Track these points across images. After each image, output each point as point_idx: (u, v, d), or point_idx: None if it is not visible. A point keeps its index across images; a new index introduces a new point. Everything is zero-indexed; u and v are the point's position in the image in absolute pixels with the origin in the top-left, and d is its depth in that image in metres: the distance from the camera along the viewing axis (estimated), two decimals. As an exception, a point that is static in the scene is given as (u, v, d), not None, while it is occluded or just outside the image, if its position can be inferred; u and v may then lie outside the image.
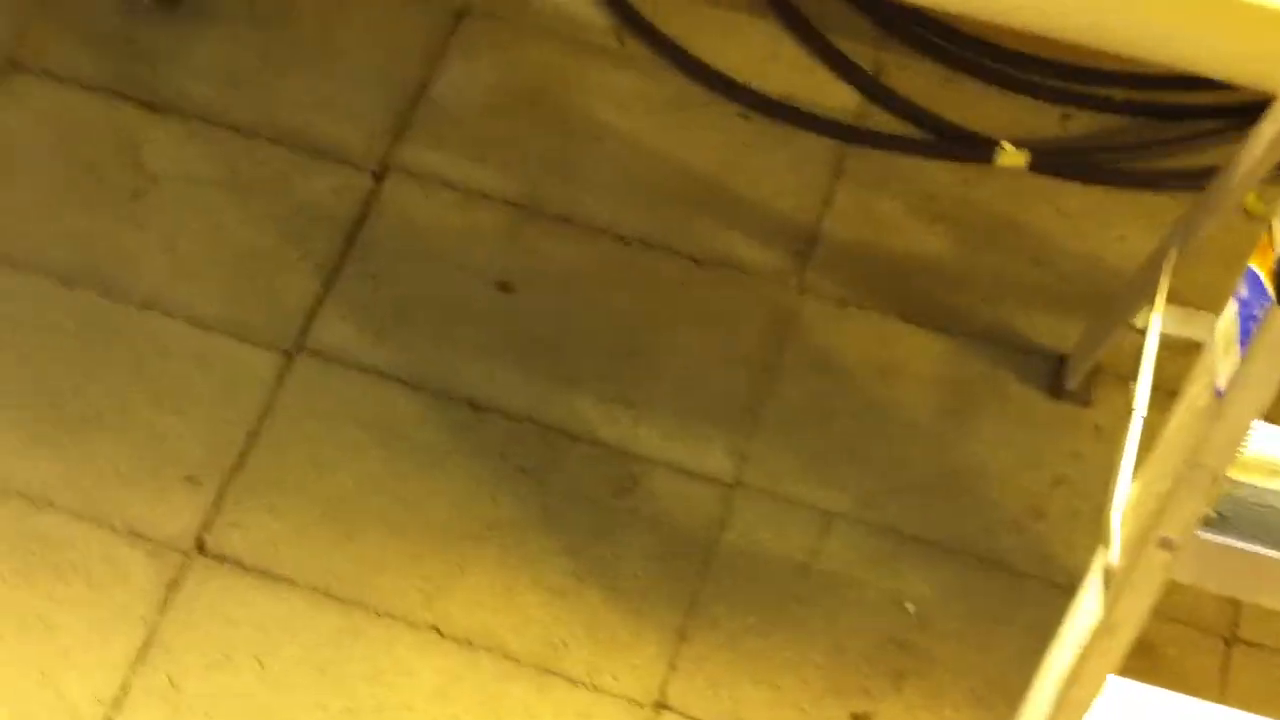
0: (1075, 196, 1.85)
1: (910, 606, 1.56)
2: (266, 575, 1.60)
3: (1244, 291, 0.96)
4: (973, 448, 1.68)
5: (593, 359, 1.75)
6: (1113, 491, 1.14)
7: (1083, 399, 1.68)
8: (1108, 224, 1.83)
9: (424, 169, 1.89)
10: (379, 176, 1.88)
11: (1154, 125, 1.90)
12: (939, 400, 1.71)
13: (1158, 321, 1.37)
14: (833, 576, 1.59)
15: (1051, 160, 1.86)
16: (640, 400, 1.72)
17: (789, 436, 1.69)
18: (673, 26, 1.98)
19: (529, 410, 1.71)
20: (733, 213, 1.85)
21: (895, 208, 1.85)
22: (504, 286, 1.80)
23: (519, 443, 1.70)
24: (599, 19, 2.01)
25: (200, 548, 1.61)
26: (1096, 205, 1.84)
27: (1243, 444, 0.95)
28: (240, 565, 1.61)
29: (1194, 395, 1.01)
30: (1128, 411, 1.30)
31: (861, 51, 1.97)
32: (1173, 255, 1.43)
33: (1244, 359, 0.93)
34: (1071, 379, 1.68)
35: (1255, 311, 0.93)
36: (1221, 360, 0.97)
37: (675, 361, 1.75)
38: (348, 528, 1.64)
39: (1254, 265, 0.95)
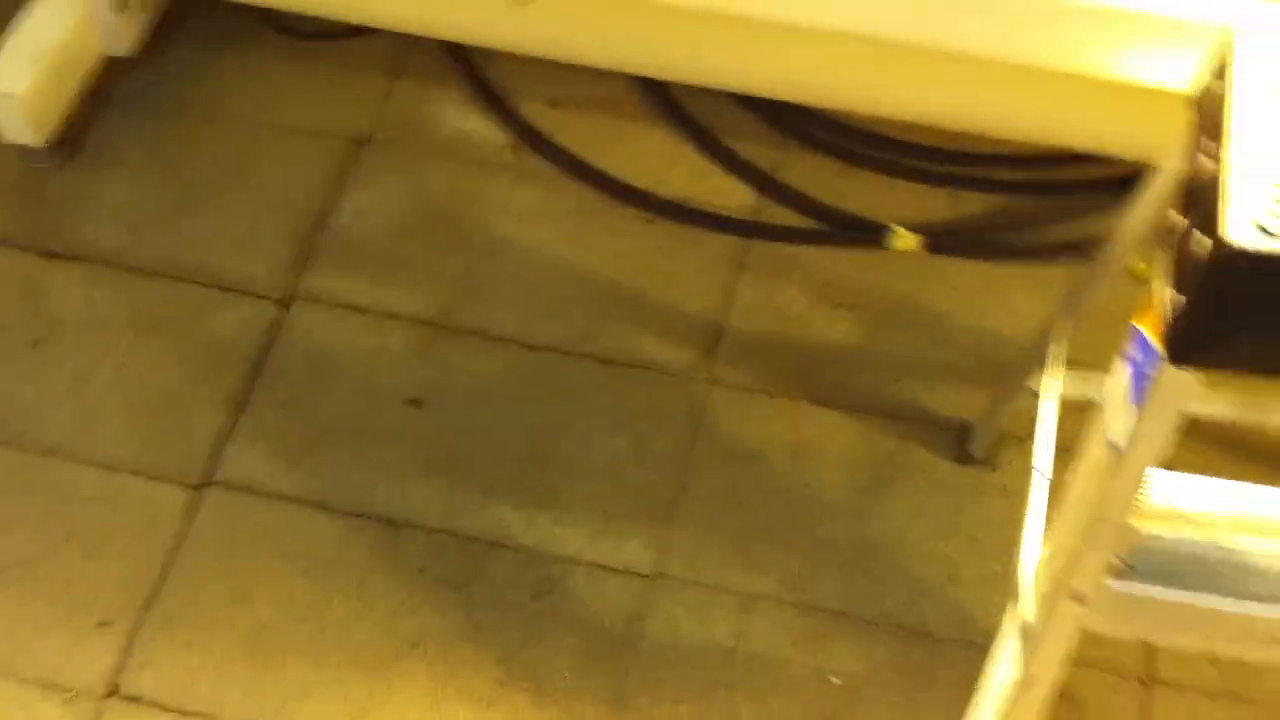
0: (968, 274, 1.90)
1: (836, 680, 1.56)
2: (183, 713, 1.57)
3: (1133, 351, 0.99)
4: (888, 521, 1.69)
5: (508, 467, 1.75)
6: (1020, 550, 1.15)
7: (989, 464, 1.70)
8: (1001, 297, 1.87)
9: (330, 295, 1.91)
10: (285, 305, 1.90)
11: (1039, 201, 1.96)
12: (852, 478, 1.73)
13: (1053, 385, 1.40)
14: (759, 659, 1.59)
15: (944, 241, 1.91)
16: (558, 503, 1.72)
17: (708, 525, 1.70)
18: (570, 139, 2.03)
19: (447, 522, 1.71)
20: (640, 314, 1.88)
21: (797, 297, 1.88)
22: (415, 403, 1.81)
23: (439, 555, 1.69)
24: (497, 136, 2.05)
25: (114, 691, 1.58)
26: (989, 281, 1.89)
27: (1141, 494, 0.98)
28: (157, 704, 1.58)
29: (1092, 452, 1.03)
30: (1031, 472, 1.32)
31: (757, 152, 2.02)
32: (1064, 322, 1.47)
33: (1141, 415, 0.96)
34: (977, 446, 1.70)
35: (1147, 369, 0.96)
36: (1115, 418, 1.00)
37: (591, 462, 1.75)
38: (268, 658, 1.62)
39: (1139, 325, 0.98)
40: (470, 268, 1.93)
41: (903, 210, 1.95)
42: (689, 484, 1.73)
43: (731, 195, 1.99)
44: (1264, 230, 0.86)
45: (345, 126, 2.06)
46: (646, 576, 1.66)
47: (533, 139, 2.04)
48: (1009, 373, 1.64)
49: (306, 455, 1.77)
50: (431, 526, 1.71)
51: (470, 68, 2.10)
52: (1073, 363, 1.45)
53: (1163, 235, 1.02)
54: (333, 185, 2.01)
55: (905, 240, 1.88)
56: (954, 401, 1.77)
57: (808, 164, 2.01)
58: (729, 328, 1.86)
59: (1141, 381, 0.96)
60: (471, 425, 1.79)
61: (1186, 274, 0.89)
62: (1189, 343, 0.91)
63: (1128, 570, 1.03)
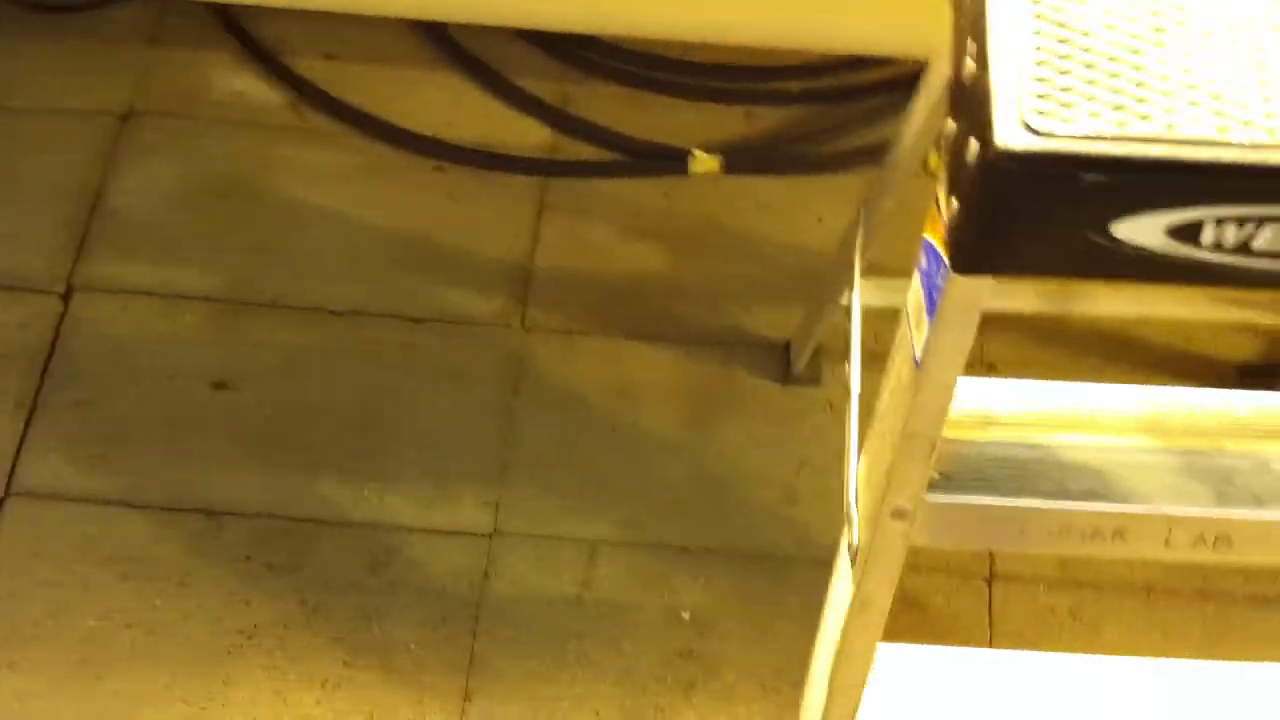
0: (772, 190, 1.89)
1: (686, 615, 1.55)
2: (15, 736, 1.49)
3: (924, 262, 0.97)
4: (720, 450, 1.68)
5: (327, 441, 1.69)
6: (845, 471, 1.14)
7: (813, 380, 1.70)
8: (807, 210, 1.86)
9: (114, 282, 1.80)
10: (66, 298, 1.79)
11: (834, 109, 1.95)
12: (679, 411, 1.71)
13: (857, 297, 1.39)
14: (607, 604, 1.56)
15: (743, 159, 1.89)
16: (382, 472, 1.67)
17: (540, 476, 1.66)
18: (351, 92, 1.95)
19: (268, 506, 1.64)
20: (444, 267, 1.82)
21: (602, 232, 1.85)
22: (221, 385, 1.73)
23: (263, 541, 1.62)
24: (273, 96, 1.96)
25: (-64, 723, 1.49)
26: (793, 195, 1.88)
27: (949, 405, 0.96)
28: (-15, 731, 1.50)
29: (898, 367, 1.02)
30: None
31: (545, 87, 1.97)
32: (862, 231, 1.46)
33: (934, 327, 0.94)
34: (797, 363, 1.70)
35: (937, 281, 0.94)
36: (915, 331, 0.98)
37: (414, 426, 1.70)
38: (98, 668, 1.53)
39: (928, 235, 0.96)
40: (261, 237, 1.84)
41: (699, 132, 1.92)
42: (516, 436, 1.69)
43: (525, 134, 1.94)
44: (1031, 129, 0.85)
45: (107, 102, 1.93)
46: (485, 536, 1.62)
47: (311, 95, 1.95)
48: (820, 286, 1.64)
49: (110, 453, 1.68)
50: (252, 512, 1.64)
51: (235, 27, 1.99)
52: (882, 270, 1.45)
53: (937, 141, 1.00)
54: (102, 167, 1.89)
55: (704, 163, 1.86)
56: (772, 321, 1.76)
57: (599, 94, 1.96)
58: (536, 270, 1.82)
59: (933, 293, 0.95)
60: (283, 402, 1.72)
61: (961, 180, 0.88)
62: (971, 250, 0.89)
63: (944, 481, 1.03)
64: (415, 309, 1.78)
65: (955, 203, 0.91)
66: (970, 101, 0.90)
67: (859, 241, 1.40)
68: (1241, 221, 0.86)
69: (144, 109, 1.94)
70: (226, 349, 1.75)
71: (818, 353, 1.70)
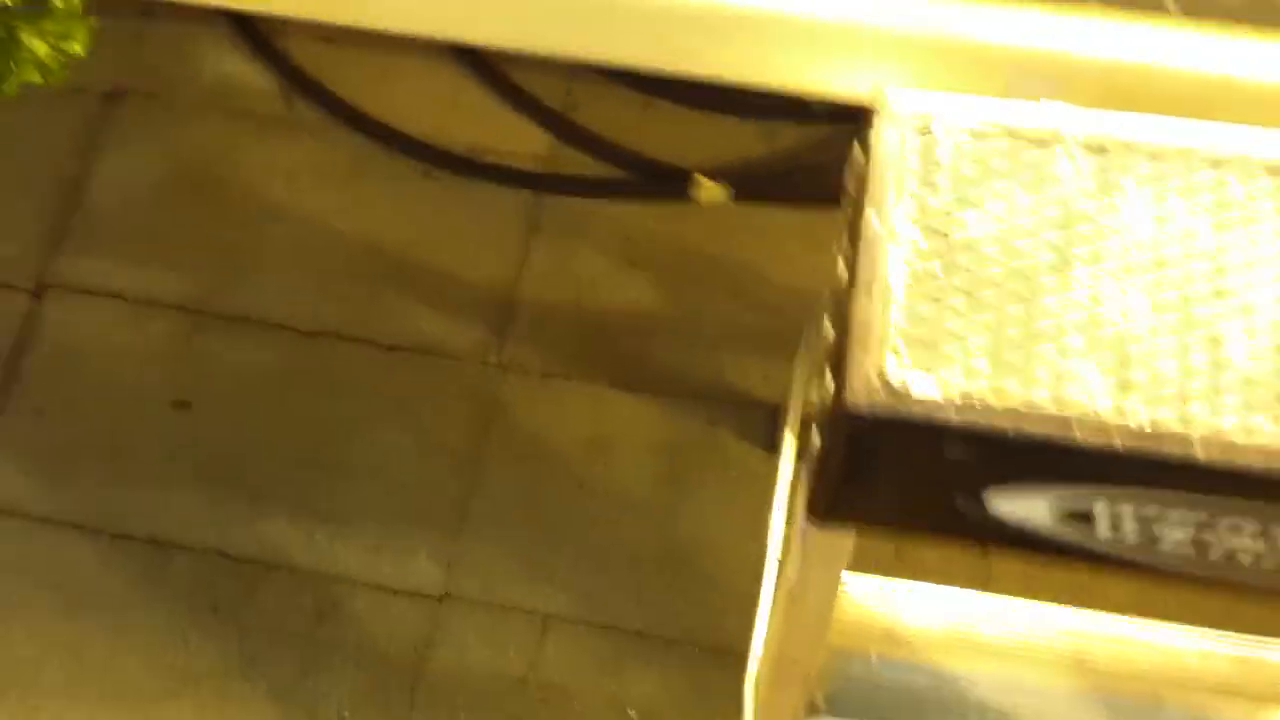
0: (784, 221, 1.74)
1: (633, 713, 1.45)
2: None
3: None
4: (694, 520, 1.56)
5: (281, 473, 1.61)
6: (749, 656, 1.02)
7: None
8: (819, 248, 1.70)
9: (86, 280, 1.72)
10: (38, 295, 1.71)
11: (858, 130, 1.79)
12: (655, 470, 1.60)
13: (789, 446, 1.25)
14: (552, 689, 1.48)
15: (755, 185, 1.74)
16: (336, 513, 1.58)
17: (499, 532, 1.57)
18: (343, 83, 1.82)
19: (216, 542, 1.57)
20: (423, 287, 1.71)
21: (595, 260, 1.72)
22: (180, 405, 1.65)
23: (208, 580, 1.55)
24: (264, 83, 1.84)
25: None
26: (805, 228, 1.72)
27: (824, 636, 0.85)
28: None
29: (784, 575, 0.91)
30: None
31: (550, 85, 1.83)
32: (801, 365, 1.32)
33: (801, 568, 0.83)
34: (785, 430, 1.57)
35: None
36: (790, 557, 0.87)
37: (372, 464, 1.61)
38: (25, 698, 1.49)
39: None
40: (236, 239, 1.75)
41: (712, 149, 1.77)
42: (480, 484, 1.60)
43: (522, 139, 1.80)
44: (888, 384, 0.72)
45: (93, 80, 1.83)
46: (434, 598, 1.53)
47: (302, 83, 1.83)
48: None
49: (65, 470, 1.61)
50: (200, 546, 1.57)
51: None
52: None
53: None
54: (84, 151, 1.80)
55: (710, 191, 1.72)
56: (766, 377, 1.63)
57: (607, 98, 1.82)
58: (520, 300, 1.70)
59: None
60: (242, 426, 1.63)
61: (820, 418, 0.76)
62: (830, 498, 0.78)
63: (829, 708, 0.92)
64: (388, 334, 1.68)
65: (817, 439, 0.79)
66: (838, 319, 0.77)
67: (796, 377, 1.26)
68: (1141, 511, 0.73)
69: (132, 88, 1.84)
70: (191, 364, 1.67)
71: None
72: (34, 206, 1.76)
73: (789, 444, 1.21)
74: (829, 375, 0.77)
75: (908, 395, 0.72)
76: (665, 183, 1.74)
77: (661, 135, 1.79)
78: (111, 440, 1.63)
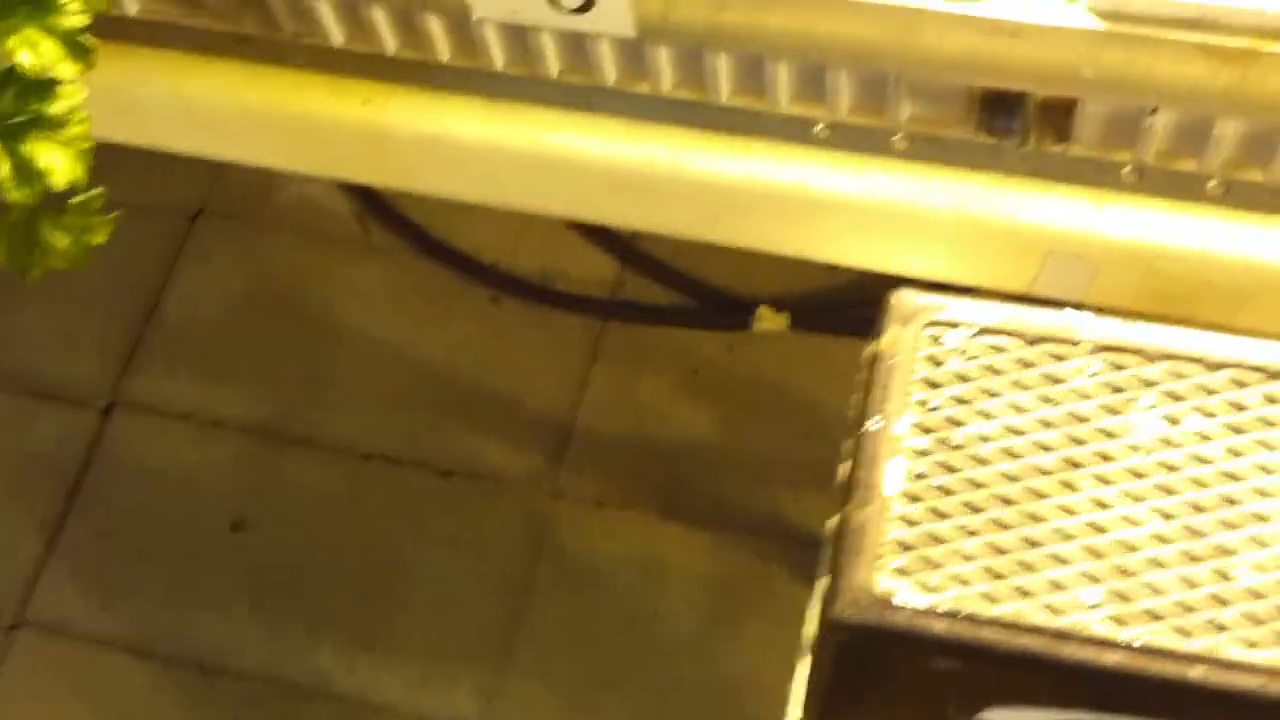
0: (845, 353, 1.68)
1: None
2: None
3: None
4: (741, 658, 1.52)
5: (333, 598, 1.60)
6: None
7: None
8: (882, 381, 1.67)
9: (156, 400, 1.75)
10: (107, 413, 1.75)
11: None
12: (706, 604, 1.56)
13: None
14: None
15: (817, 315, 1.71)
16: (382, 641, 1.57)
17: (545, 665, 1.54)
18: (417, 209, 1.84)
19: (263, 667, 1.57)
20: (483, 413, 1.71)
21: (656, 387, 1.70)
22: (237, 525, 1.66)
23: (254, 707, 1.55)
24: (341, 207, 1.87)
25: None
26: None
27: None
28: None
29: None
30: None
31: (621, 210, 1.83)
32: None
33: None
34: (836, 574, 1.52)
35: None
36: None
37: (422, 591, 1.60)
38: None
39: None
40: (307, 361, 1.77)
41: (775, 279, 1.75)
42: (528, 614, 1.57)
43: (590, 265, 1.80)
44: (880, 595, 0.69)
45: (176, 199, 1.88)
46: (472, 732, 1.51)
47: (379, 208, 1.86)
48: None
49: (123, 591, 1.63)
50: (247, 672, 1.57)
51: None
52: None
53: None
54: (163, 269, 1.84)
55: (771, 320, 1.69)
56: (821, 511, 1.58)
57: (676, 224, 1.81)
58: (578, 427, 1.68)
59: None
60: (297, 550, 1.64)
61: (819, 622, 0.73)
62: (820, 709, 0.74)
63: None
64: (445, 459, 1.67)
65: (819, 644, 0.75)
66: (837, 523, 0.74)
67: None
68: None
69: (212, 208, 1.88)
70: (251, 485, 1.68)
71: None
72: (111, 324, 1.81)
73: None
74: (825, 581, 0.74)
75: (897, 606, 0.69)
76: (728, 312, 1.72)
77: (727, 261, 1.77)
78: (168, 562, 1.64)
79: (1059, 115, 0.95)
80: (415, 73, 0.98)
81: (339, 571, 1.62)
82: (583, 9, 0.86)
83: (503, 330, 1.76)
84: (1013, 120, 0.96)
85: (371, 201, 1.86)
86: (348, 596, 1.60)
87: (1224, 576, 0.68)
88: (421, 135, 0.96)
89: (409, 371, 1.74)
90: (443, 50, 1.00)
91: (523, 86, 0.99)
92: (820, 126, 0.95)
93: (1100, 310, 1.05)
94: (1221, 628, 0.67)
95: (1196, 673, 0.66)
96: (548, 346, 1.74)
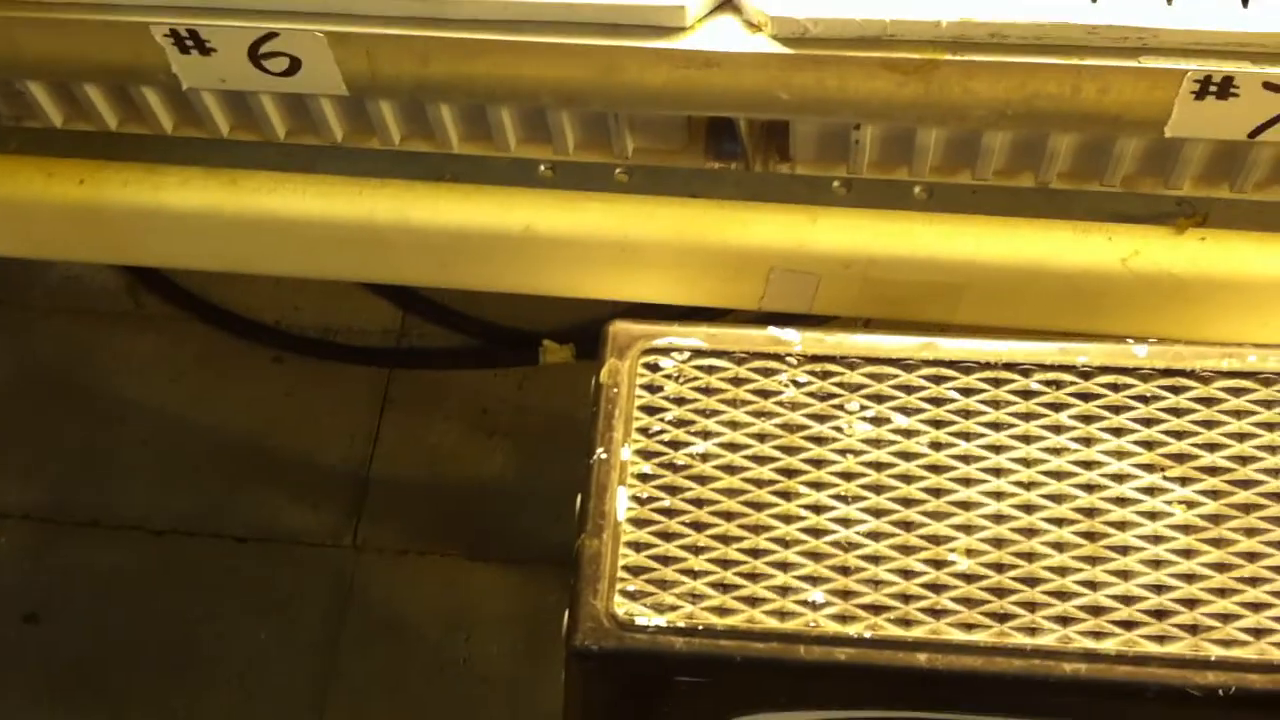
0: (632, 377, 1.73)
1: None
2: None
3: None
4: (558, 692, 1.52)
5: (135, 684, 1.56)
6: None
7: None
8: (670, 400, 1.70)
9: (-67, 497, 1.69)
10: (-117, 517, 1.68)
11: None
12: (513, 644, 1.56)
13: None
14: None
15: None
16: (195, 714, 1.54)
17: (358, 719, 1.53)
18: (188, 276, 1.82)
19: (70, 759, 1.53)
20: (276, 474, 1.69)
21: (446, 430, 1.70)
22: (31, 618, 1.61)
23: (60, 803, 1.51)
24: (112, 281, 1.84)
25: None
26: (655, 382, 1.71)
27: None
28: None
29: None
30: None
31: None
32: None
33: None
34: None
35: None
36: None
37: (229, 663, 1.57)
38: None
39: None
40: (88, 440, 1.72)
41: (556, 311, 1.75)
42: (338, 672, 1.56)
43: (373, 315, 1.79)
44: (615, 619, 0.71)
45: (-61, 291, 1.83)
46: (290, 797, 1.49)
47: (149, 279, 1.82)
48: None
49: (-86, 698, 1.57)
50: (54, 765, 1.53)
51: (76, 201, 1.88)
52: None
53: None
54: (-71, 363, 1.79)
55: (556, 354, 1.71)
56: (620, 535, 1.61)
57: (456, 266, 1.82)
58: (374, 478, 1.68)
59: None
60: (95, 636, 1.59)
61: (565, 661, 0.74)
62: None
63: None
64: (240, 526, 1.65)
65: (567, 672, 0.76)
66: (574, 549, 0.76)
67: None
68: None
69: (-23, 296, 1.83)
70: (40, 575, 1.64)
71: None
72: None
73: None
74: (566, 614, 0.75)
75: (636, 629, 0.71)
76: (515, 348, 1.74)
77: (506, 301, 1.78)
78: (-38, 661, 1.59)
79: (779, 137, 0.99)
80: (135, 148, 0.97)
81: (140, 655, 1.58)
82: (289, 72, 0.87)
83: (288, 389, 1.75)
84: (736, 145, 0.99)
85: (142, 274, 1.83)
86: (151, 679, 1.56)
87: (937, 565, 0.71)
88: (137, 209, 0.95)
89: (195, 441, 1.72)
90: (166, 122, 1.00)
91: (249, 151, 0.99)
92: (544, 167, 0.97)
93: (828, 321, 1.09)
94: (940, 613, 0.70)
95: (922, 658, 0.69)
96: (335, 401, 1.73)
